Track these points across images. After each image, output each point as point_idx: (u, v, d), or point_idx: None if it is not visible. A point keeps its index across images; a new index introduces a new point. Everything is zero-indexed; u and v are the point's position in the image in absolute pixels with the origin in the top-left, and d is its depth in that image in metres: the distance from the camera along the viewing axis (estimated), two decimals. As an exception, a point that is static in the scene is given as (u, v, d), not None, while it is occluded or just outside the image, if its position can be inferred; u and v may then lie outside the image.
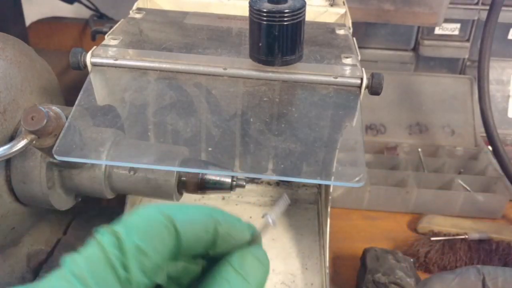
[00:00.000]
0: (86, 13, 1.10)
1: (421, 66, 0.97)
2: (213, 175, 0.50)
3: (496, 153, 0.73)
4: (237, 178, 0.51)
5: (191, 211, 0.26)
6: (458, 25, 0.93)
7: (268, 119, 0.45)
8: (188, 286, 0.28)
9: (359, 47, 0.54)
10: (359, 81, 0.47)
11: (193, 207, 0.27)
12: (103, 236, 0.24)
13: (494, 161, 0.79)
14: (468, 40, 0.94)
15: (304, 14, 0.45)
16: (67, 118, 0.44)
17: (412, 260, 0.62)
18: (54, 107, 0.44)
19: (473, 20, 0.92)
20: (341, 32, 0.58)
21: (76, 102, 0.46)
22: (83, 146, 0.44)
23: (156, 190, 0.50)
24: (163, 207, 0.26)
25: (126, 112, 0.47)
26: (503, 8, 0.74)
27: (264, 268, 0.27)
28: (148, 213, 0.25)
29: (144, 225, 0.25)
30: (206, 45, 0.52)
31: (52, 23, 1.04)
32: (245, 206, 0.71)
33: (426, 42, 0.94)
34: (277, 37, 0.44)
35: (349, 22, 0.61)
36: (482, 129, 0.76)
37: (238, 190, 0.52)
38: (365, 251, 0.63)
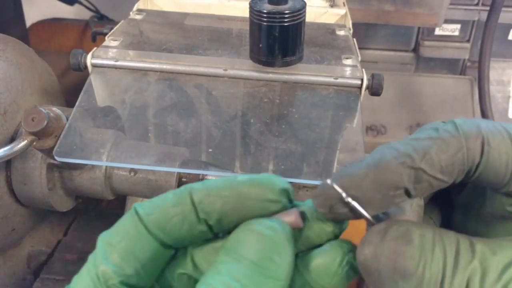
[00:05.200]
0: (87, 14, 1.10)
1: (422, 67, 0.97)
2: (213, 176, 0.50)
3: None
4: (237, 179, 0.51)
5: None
6: (458, 26, 0.93)
7: (268, 120, 0.45)
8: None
9: (359, 48, 0.54)
10: (359, 82, 0.47)
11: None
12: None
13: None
14: (468, 41, 0.94)
15: (304, 15, 0.45)
16: (67, 119, 0.44)
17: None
18: (54, 108, 0.44)
19: (473, 21, 0.92)
20: (341, 33, 0.58)
21: (77, 103, 0.46)
22: (83, 147, 0.44)
23: (156, 191, 0.50)
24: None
25: (127, 113, 0.47)
26: (503, 8, 0.74)
27: (265, 243, 0.23)
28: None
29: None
30: (207, 46, 0.52)
31: (52, 24, 1.04)
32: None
33: (427, 43, 0.94)
34: (277, 38, 0.44)
35: (349, 23, 0.61)
36: (483, 130, 0.76)
37: (238, 191, 0.52)
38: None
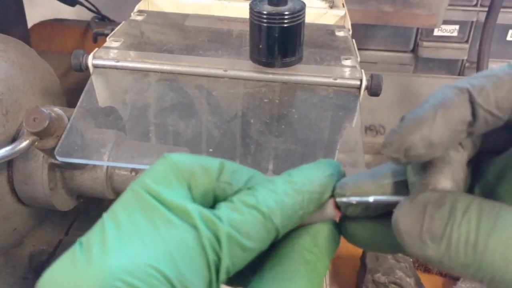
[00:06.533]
0: (88, 15, 1.11)
1: (420, 68, 0.98)
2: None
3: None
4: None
5: (288, 202, 0.26)
6: (457, 27, 0.93)
7: (268, 120, 0.45)
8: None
9: (359, 49, 0.55)
10: (358, 83, 0.48)
11: (286, 193, 0.27)
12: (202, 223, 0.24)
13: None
14: (467, 42, 0.94)
15: (304, 16, 0.45)
16: (69, 120, 0.44)
17: (411, 260, 0.63)
18: (56, 109, 0.45)
19: (472, 22, 0.92)
20: (340, 33, 0.58)
21: (78, 104, 0.46)
22: (84, 147, 0.44)
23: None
24: (263, 203, 0.26)
25: (128, 114, 0.47)
26: (502, 9, 0.74)
27: (336, 244, 0.28)
28: (250, 214, 0.25)
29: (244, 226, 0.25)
30: (207, 47, 0.53)
31: (54, 25, 1.04)
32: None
33: (425, 44, 0.94)
34: (277, 39, 0.45)
35: (348, 24, 0.62)
36: (481, 130, 0.76)
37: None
38: (365, 251, 0.63)
